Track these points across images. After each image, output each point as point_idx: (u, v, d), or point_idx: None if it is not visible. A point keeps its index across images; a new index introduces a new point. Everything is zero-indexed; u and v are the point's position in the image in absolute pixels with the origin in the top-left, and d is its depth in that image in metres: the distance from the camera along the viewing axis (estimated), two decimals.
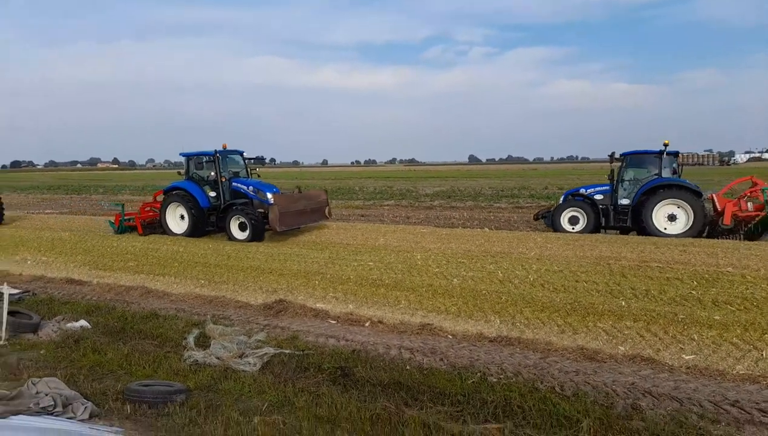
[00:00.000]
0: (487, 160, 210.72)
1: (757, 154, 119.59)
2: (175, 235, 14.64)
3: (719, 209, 13.45)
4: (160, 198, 16.06)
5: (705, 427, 4.43)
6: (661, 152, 13.93)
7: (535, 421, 4.77)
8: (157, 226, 15.43)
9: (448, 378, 5.66)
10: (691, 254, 10.36)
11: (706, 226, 13.43)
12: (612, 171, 14.44)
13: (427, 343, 6.86)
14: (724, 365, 5.73)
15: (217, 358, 6.37)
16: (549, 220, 15.25)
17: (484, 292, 8.71)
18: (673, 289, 8.18)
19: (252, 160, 16.03)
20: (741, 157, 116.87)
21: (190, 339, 6.97)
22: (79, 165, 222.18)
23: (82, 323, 7.79)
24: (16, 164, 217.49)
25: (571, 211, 14.48)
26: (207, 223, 14.56)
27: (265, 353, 6.44)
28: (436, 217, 21.06)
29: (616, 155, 14.50)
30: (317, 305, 8.57)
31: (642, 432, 4.42)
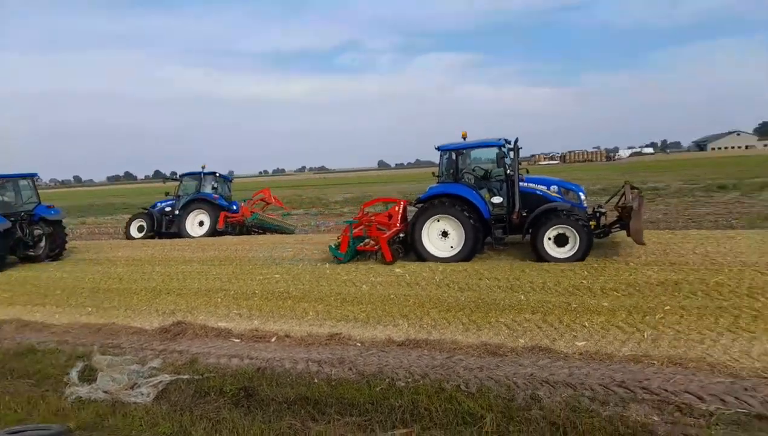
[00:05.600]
0: (396, 164, 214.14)
1: (638, 150, 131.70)
2: (438, 259, 10.76)
3: (239, 215, 18.46)
4: (369, 210, 12.82)
5: (596, 409, 4.66)
6: (200, 173, 19.15)
7: (442, 421, 4.79)
8: (400, 248, 11.65)
9: (357, 387, 5.54)
10: None
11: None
12: (177, 187, 19.38)
13: (335, 353, 6.70)
14: (611, 348, 6.10)
15: (105, 391, 5.83)
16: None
17: (392, 296, 8.72)
18: (567, 280, 8.67)
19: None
20: (624, 153, 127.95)
21: (73, 374, 6.33)
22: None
23: None
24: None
25: (138, 221, 19.22)
26: (486, 239, 11.07)
27: (160, 381, 5.98)
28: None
29: (177, 175, 19.96)
30: (219, 324, 8.13)
31: (540, 421, 4.57)
